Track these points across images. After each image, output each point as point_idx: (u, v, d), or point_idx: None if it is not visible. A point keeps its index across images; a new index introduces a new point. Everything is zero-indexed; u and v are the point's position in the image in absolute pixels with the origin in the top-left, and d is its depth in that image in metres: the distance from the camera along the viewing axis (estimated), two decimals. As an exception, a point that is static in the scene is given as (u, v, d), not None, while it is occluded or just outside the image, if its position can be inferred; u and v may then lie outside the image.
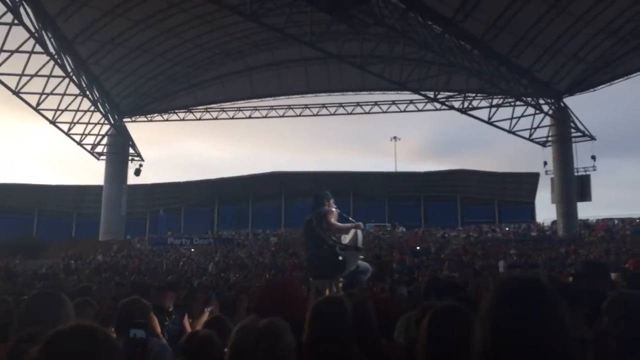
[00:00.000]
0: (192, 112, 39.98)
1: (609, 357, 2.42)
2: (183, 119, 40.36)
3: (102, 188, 37.76)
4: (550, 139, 33.26)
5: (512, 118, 31.11)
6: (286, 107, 39.29)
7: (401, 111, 38.75)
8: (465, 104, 30.26)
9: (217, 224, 54.03)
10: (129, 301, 3.85)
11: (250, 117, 40.26)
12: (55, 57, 24.82)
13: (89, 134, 34.25)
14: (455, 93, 30.48)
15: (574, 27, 24.76)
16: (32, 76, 26.13)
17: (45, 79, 26.92)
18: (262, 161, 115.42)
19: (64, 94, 28.92)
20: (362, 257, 6.63)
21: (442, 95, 29.79)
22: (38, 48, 23.73)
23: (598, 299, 2.83)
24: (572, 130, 32.81)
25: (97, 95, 31.12)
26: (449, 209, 52.90)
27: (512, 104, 30.86)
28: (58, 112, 30.14)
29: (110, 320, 3.66)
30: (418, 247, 31.06)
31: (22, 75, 25.66)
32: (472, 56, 26.01)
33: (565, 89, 31.40)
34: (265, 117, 40.11)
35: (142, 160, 37.08)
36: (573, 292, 3.93)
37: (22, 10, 21.22)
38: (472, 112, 30.68)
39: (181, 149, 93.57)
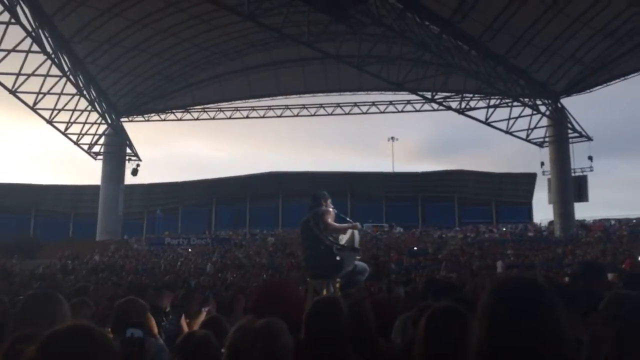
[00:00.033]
0: (190, 112, 39.92)
1: (605, 358, 2.42)
2: (180, 119, 40.30)
3: (99, 188, 37.72)
4: (547, 139, 33.34)
5: (509, 118, 31.21)
6: (284, 107, 39.31)
7: (399, 111, 38.79)
8: (463, 105, 30.31)
9: (214, 224, 54.01)
10: (125, 301, 3.84)
11: (247, 117, 40.24)
12: (52, 56, 24.76)
13: (86, 133, 34.24)
14: (453, 93, 30.54)
15: (571, 28, 24.82)
16: (29, 75, 26.09)
17: (42, 78, 26.88)
18: (260, 161, 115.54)
19: (60, 94, 28.89)
20: (359, 257, 6.63)
21: (439, 95, 29.86)
22: (35, 47, 23.68)
23: (595, 300, 2.83)
24: (569, 131, 32.89)
25: (94, 94, 31.07)
26: (446, 210, 52.97)
27: (510, 104, 30.94)
28: (55, 112, 30.12)
29: (106, 321, 3.66)
30: (415, 248, 31.13)
31: (19, 74, 25.62)
32: (469, 57, 26.04)
33: (562, 89, 31.48)
34: (263, 117, 40.09)
35: (140, 160, 37.05)
36: (570, 292, 3.93)
37: (19, 9, 21.20)
38: (470, 113, 30.74)
39: (178, 149, 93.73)
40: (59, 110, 30.14)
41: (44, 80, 27.07)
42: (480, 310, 1.65)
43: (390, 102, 38.14)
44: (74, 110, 31.02)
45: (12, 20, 21.41)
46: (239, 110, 39.74)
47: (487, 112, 30.58)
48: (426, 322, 2.26)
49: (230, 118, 40.33)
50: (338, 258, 6.10)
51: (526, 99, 29.98)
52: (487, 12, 23.46)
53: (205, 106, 39.59)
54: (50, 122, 30.43)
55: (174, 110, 39.55)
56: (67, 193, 53.36)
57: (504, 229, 41.48)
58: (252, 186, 53.41)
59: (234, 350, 2.16)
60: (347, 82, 35.64)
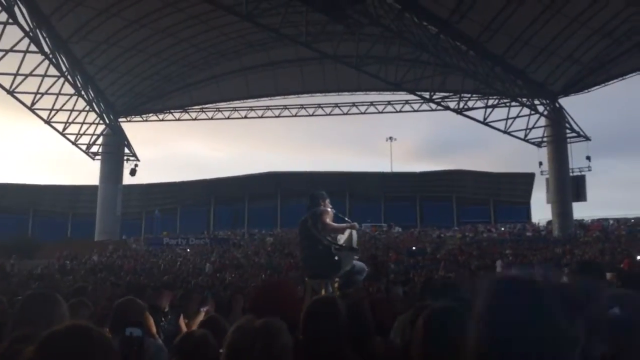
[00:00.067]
0: (188, 112, 39.90)
1: (603, 358, 2.43)
2: (178, 119, 40.27)
3: (98, 188, 37.64)
4: (545, 139, 33.38)
5: (507, 118, 31.25)
6: (282, 107, 39.30)
7: (397, 111, 38.82)
8: (461, 105, 30.34)
9: (213, 224, 54.01)
10: (123, 301, 3.84)
11: (246, 117, 40.22)
12: (50, 56, 24.74)
13: (84, 133, 34.17)
14: (451, 93, 30.55)
15: (569, 28, 24.85)
16: (26, 75, 26.06)
17: (40, 78, 26.86)
18: (258, 161, 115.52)
19: (58, 94, 28.86)
20: (357, 257, 6.64)
21: (437, 95, 29.87)
22: (33, 47, 23.66)
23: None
24: (567, 131, 32.94)
25: (92, 94, 31.04)
26: (444, 209, 53.03)
27: (508, 104, 30.97)
28: (53, 112, 30.08)
29: (105, 321, 3.65)
30: (414, 247, 31.15)
31: (16, 74, 25.58)
32: (467, 57, 26.06)
33: (560, 89, 31.52)
34: (261, 117, 40.08)
35: (138, 160, 37.00)
36: (568, 292, 3.93)
37: (16, 9, 21.16)
38: (468, 113, 30.77)
39: (176, 149, 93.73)
40: (57, 111, 30.13)
41: (41, 81, 27.05)
42: (477, 310, 1.65)
43: (389, 102, 38.16)
44: (72, 110, 31.02)
45: (10, 20, 21.40)
46: (237, 110, 39.74)
47: (485, 112, 30.64)
48: (424, 322, 2.26)
49: (228, 118, 40.33)
50: (336, 258, 6.10)
51: (524, 99, 30.01)
52: (485, 13, 23.48)
53: (204, 106, 39.57)
54: (48, 122, 30.41)
55: (172, 111, 39.52)
56: (65, 193, 53.34)
57: (503, 229, 41.53)
58: (251, 186, 53.43)
59: (233, 350, 2.16)
60: (345, 82, 35.65)
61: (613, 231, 35.06)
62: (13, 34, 22.73)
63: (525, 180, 50.08)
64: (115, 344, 1.77)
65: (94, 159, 36.84)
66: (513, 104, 30.65)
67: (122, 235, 40.41)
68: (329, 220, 6.20)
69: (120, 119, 37.15)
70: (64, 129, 31.93)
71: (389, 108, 38.53)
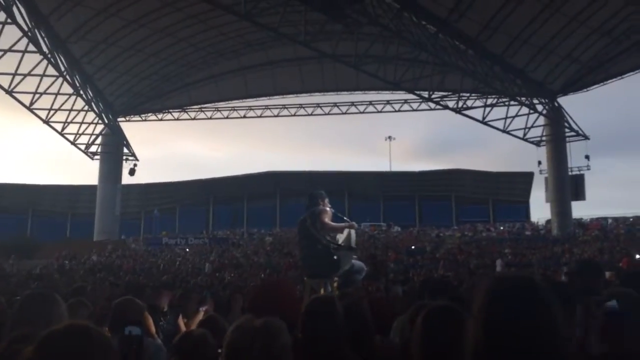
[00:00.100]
0: (187, 112, 39.86)
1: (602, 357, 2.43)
2: (177, 119, 40.22)
3: (97, 188, 37.62)
4: (544, 138, 33.37)
5: (506, 118, 31.24)
6: (280, 106, 39.26)
7: (395, 111, 38.78)
8: (460, 104, 30.34)
9: (212, 223, 53.97)
10: (122, 301, 3.84)
11: (244, 117, 40.16)
12: (49, 56, 24.71)
13: (82, 133, 34.14)
14: (450, 93, 30.53)
15: (568, 27, 24.85)
16: (25, 75, 26.02)
17: (39, 78, 26.82)
18: (257, 161, 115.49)
19: (57, 94, 28.83)
20: (356, 256, 6.64)
21: (436, 95, 29.85)
22: (31, 47, 23.61)
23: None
24: (566, 130, 32.94)
25: (91, 94, 31.02)
26: (443, 209, 53.01)
27: (506, 103, 30.96)
28: (52, 112, 30.04)
29: (104, 321, 3.65)
30: (413, 247, 31.17)
31: (15, 74, 25.56)
32: (466, 56, 26.05)
33: (559, 88, 31.52)
34: (260, 116, 40.02)
35: (137, 159, 37.00)
36: (567, 291, 3.94)
37: (15, 9, 21.13)
38: (467, 112, 30.78)
39: (175, 149, 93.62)
40: (56, 110, 30.09)
41: (40, 80, 27.02)
42: (476, 309, 1.65)
43: (388, 102, 38.14)
44: (70, 110, 30.99)
45: (8, 20, 21.35)
46: (236, 109, 39.69)
47: (484, 111, 30.63)
48: (422, 321, 2.26)
49: (227, 118, 40.27)
50: (335, 257, 6.10)
51: (523, 98, 30.01)
52: (483, 12, 23.48)
53: (202, 106, 39.53)
54: (47, 122, 30.38)
55: (171, 110, 39.48)
56: (65, 193, 53.27)
57: (502, 228, 41.53)
58: (250, 186, 53.39)
59: (233, 350, 2.15)
60: (344, 82, 35.64)
61: (612, 230, 35.07)
62: (11, 33, 22.73)
63: (524, 180, 50.09)
64: (114, 344, 1.77)
65: (93, 159, 36.85)
66: (512, 103, 30.64)
67: (121, 235, 40.39)
68: (327, 219, 6.21)
69: (119, 119, 37.13)
70: (63, 128, 31.93)
71: (388, 107, 38.54)
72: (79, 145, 34.89)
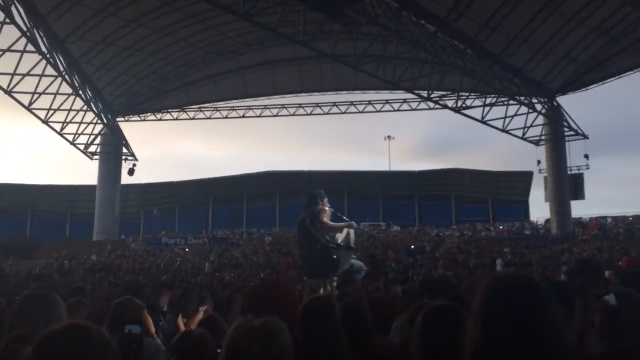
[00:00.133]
0: (186, 112, 39.85)
1: (601, 356, 2.43)
2: (176, 119, 40.21)
3: (96, 188, 37.60)
4: (543, 137, 33.38)
5: (505, 117, 31.24)
6: (280, 106, 39.25)
7: (395, 110, 38.79)
8: (459, 103, 30.35)
9: (211, 223, 53.93)
10: (121, 301, 3.84)
11: (243, 117, 40.14)
12: (47, 56, 24.69)
13: (82, 133, 34.08)
14: (449, 92, 30.53)
15: (566, 26, 24.86)
16: (24, 75, 26.00)
17: (38, 78, 26.79)
18: (256, 160, 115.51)
19: (56, 93, 28.80)
20: (355, 256, 6.64)
21: (435, 94, 29.84)
22: (30, 47, 23.61)
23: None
24: (565, 129, 32.95)
25: (90, 94, 31.00)
26: (443, 208, 53.00)
27: (506, 103, 30.98)
28: (50, 112, 30.01)
29: (103, 320, 3.65)
30: (412, 246, 31.16)
31: (14, 74, 25.56)
32: (465, 55, 26.07)
33: (557, 88, 31.53)
34: (259, 116, 40.01)
35: (136, 159, 36.95)
36: (566, 290, 3.94)
37: (13, 9, 21.11)
38: (466, 111, 30.80)
39: (174, 149, 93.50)
40: (55, 110, 30.05)
41: (39, 80, 27.00)
42: (475, 308, 1.65)
43: (387, 101, 38.14)
44: (69, 110, 30.94)
45: (7, 20, 21.33)
46: (235, 109, 39.68)
47: (483, 110, 30.65)
48: (422, 321, 2.27)
49: (226, 117, 40.25)
50: (334, 257, 6.10)
51: (522, 98, 30.02)
52: (482, 11, 23.49)
53: (201, 105, 39.52)
54: (45, 122, 30.34)
55: (170, 110, 39.47)
56: (64, 193, 53.23)
57: (501, 227, 41.55)
58: (249, 185, 53.38)
59: (232, 350, 2.15)
60: (343, 81, 35.63)
61: (611, 229, 35.09)
62: (10, 33, 22.71)
63: (523, 179, 50.09)
64: (114, 343, 1.77)
65: (92, 159, 36.80)
66: (511, 102, 30.66)
67: (121, 235, 40.39)
68: (326, 219, 6.21)
69: (118, 119, 37.11)
70: (62, 128, 31.87)
71: (387, 107, 38.54)
72: (78, 145, 34.87)
